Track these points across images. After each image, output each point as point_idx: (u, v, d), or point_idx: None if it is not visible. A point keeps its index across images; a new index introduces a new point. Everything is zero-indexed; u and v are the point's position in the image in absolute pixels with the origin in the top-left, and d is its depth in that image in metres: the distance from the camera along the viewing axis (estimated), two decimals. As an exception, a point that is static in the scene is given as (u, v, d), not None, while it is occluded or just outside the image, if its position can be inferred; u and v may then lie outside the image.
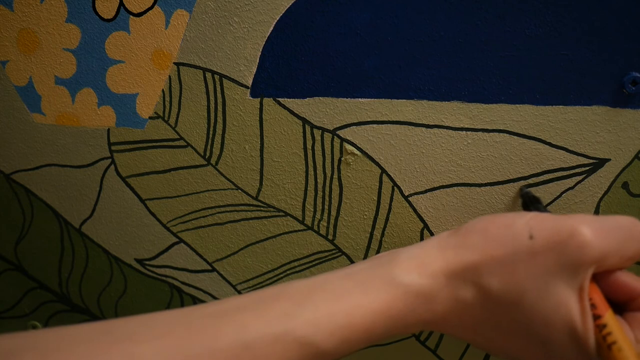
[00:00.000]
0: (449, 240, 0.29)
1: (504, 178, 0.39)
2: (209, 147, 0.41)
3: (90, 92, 0.41)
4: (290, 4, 0.37)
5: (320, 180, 0.40)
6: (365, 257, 0.42)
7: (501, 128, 0.38)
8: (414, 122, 0.38)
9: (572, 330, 0.26)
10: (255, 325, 0.26)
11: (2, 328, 0.48)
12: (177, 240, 0.44)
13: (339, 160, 0.40)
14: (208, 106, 0.40)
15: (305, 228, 0.42)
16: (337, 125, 0.39)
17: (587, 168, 0.38)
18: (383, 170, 0.40)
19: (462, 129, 0.38)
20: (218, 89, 0.39)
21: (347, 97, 0.38)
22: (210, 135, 0.41)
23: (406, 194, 0.40)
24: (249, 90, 0.39)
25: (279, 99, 0.39)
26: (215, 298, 0.45)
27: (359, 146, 0.39)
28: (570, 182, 0.38)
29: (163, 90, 0.40)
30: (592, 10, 0.35)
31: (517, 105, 0.37)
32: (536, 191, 0.38)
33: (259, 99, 0.39)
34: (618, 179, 0.38)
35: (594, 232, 0.26)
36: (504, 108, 0.37)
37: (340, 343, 0.26)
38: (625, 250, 0.27)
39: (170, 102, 0.40)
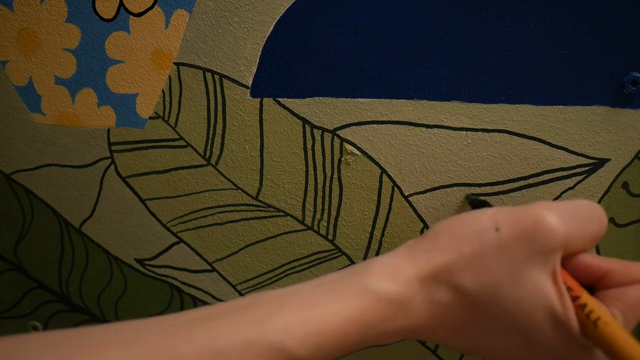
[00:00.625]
0: (417, 246, 0.29)
1: (504, 178, 0.39)
2: (209, 147, 0.41)
3: (90, 92, 0.41)
4: (290, 4, 0.37)
5: (320, 180, 0.40)
6: (365, 257, 0.42)
7: (501, 128, 0.38)
8: (414, 122, 0.38)
9: (553, 314, 0.26)
10: (227, 332, 0.26)
11: (2, 328, 0.48)
12: (177, 240, 0.44)
13: (339, 160, 0.40)
14: (208, 106, 0.40)
15: (305, 228, 0.42)
16: (337, 125, 0.39)
17: (587, 168, 0.38)
18: (383, 170, 0.40)
19: (462, 129, 0.38)
20: (218, 89, 0.39)
21: (347, 97, 0.38)
22: (210, 135, 0.41)
23: (406, 194, 0.40)
24: (249, 90, 0.39)
25: (279, 99, 0.39)
26: (215, 298, 0.45)
27: (359, 146, 0.39)
28: (570, 182, 0.38)
29: (163, 90, 0.40)
30: (592, 10, 0.35)
31: (517, 105, 0.37)
32: (536, 191, 0.39)
33: (259, 99, 0.39)
34: (618, 179, 0.38)
35: (557, 216, 0.27)
36: (504, 108, 0.37)
37: (313, 350, 0.26)
38: (587, 232, 0.28)
39: (170, 102, 0.40)
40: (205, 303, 0.45)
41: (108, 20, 0.39)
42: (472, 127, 0.38)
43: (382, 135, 0.39)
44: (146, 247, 0.44)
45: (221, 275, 0.44)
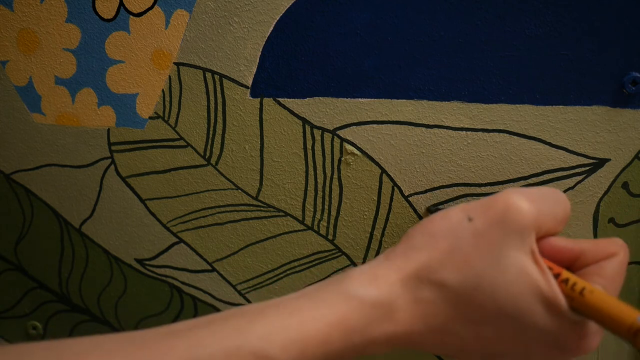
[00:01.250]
0: (395, 250, 0.29)
1: (504, 178, 0.39)
2: (209, 147, 0.41)
3: (90, 92, 0.41)
4: (290, 4, 0.37)
5: (320, 180, 0.40)
6: (365, 257, 0.42)
7: (501, 128, 0.38)
8: (414, 122, 0.38)
9: (539, 292, 0.26)
10: (208, 341, 0.26)
11: (2, 328, 0.48)
12: (177, 240, 0.44)
13: (339, 160, 0.40)
14: (208, 106, 0.40)
15: (305, 228, 0.42)
16: (337, 125, 0.39)
17: (587, 168, 0.38)
18: (383, 170, 0.40)
19: (462, 129, 0.38)
20: (218, 89, 0.39)
21: (347, 97, 0.38)
22: (210, 135, 0.41)
23: (406, 194, 0.40)
24: (249, 90, 0.39)
25: (279, 99, 0.39)
26: (215, 298, 0.45)
27: (359, 146, 0.39)
28: (570, 182, 0.38)
29: (163, 90, 0.40)
30: (592, 10, 0.35)
31: (517, 105, 0.37)
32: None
33: (259, 99, 0.39)
34: (618, 179, 0.38)
35: (526, 198, 0.27)
36: (504, 108, 0.37)
37: (296, 356, 0.26)
38: (556, 212, 0.29)
39: (170, 102, 0.40)
40: (205, 303, 0.45)
41: (108, 20, 0.39)
42: (472, 127, 0.38)
43: (382, 135, 0.39)
44: (146, 247, 0.44)
45: (221, 275, 0.44)
